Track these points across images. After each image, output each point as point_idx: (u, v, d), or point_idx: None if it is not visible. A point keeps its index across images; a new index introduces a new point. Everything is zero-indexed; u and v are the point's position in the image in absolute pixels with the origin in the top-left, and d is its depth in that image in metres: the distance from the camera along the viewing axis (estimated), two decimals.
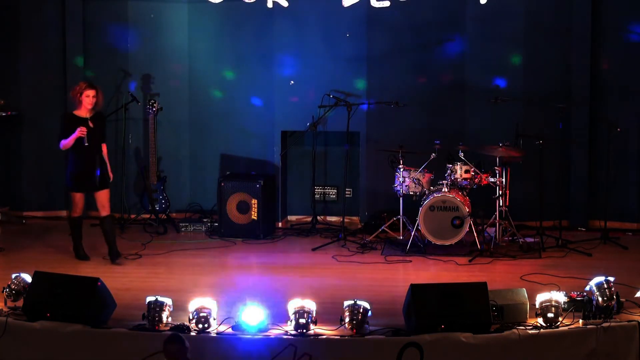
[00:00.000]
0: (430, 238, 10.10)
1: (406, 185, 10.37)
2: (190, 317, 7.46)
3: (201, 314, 7.43)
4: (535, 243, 10.22)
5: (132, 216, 11.41)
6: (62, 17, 11.62)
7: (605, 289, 7.62)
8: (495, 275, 9.25)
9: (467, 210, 10.01)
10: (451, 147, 10.38)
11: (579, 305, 7.69)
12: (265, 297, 8.28)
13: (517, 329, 7.42)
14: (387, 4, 11.25)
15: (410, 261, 9.86)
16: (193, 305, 7.50)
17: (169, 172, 11.55)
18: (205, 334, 7.37)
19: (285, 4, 11.35)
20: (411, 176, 10.38)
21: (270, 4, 11.36)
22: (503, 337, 7.35)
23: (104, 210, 9.51)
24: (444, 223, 10.05)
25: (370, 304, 7.52)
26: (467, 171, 10.27)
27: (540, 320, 7.49)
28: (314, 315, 7.45)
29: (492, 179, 10.22)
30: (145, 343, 7.33)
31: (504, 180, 10.23)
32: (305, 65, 11.45)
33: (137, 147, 11.68)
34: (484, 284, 7.54)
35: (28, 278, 7.95)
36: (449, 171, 10.30)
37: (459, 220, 10.01)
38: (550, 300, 7.52)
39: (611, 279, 7.75)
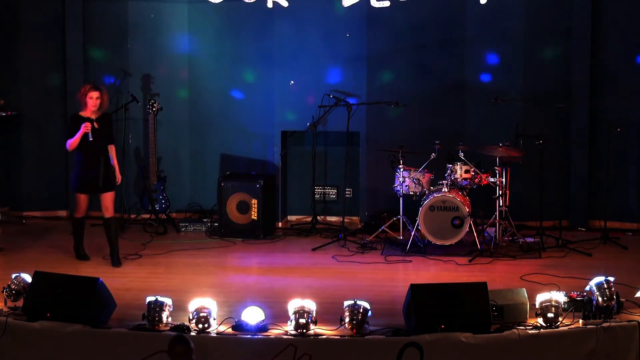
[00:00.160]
0: (430, 238, 10.10)
1: (406, 185, 10.38)
2: (190, 317, 7.47)
3: (201, 314, 7.44)
4: (535, 243, 10.22)
5: (132, 216, 11.41)
6: (62, 17, 11.62)
7: (605, 289, 7.62)
8: (495, 275, 9.25)
9: (467, 210, 10.01)
10: (451, 147, 10.37)
11: (579, 305, 7.69)
12: (265, 297, 8.29)
13: (517, 329, 7.42)
14: (387, 4, 11.25)
15: (410, 261, 9.86)
16: (193, 305, 7.50)
17: (169, 172, 11.55)
18: (205, 334, 7.37)
19: (285, 4, 11.35)
20: (411, 176, 10.38)
21: (270, 4, 11.36)
22: (503, 337, 7.35)
23: (108, 212, 9.51)
24: (444, 223, 10.05)
25: (370, 304, 7.53)
26: (467, 171, 10.27)
27: (540, 320, 7.49)
28: (314, 315, 7.45)
29: (492, 179, 10.22)
30: (145, 343, 7.34)
31: (504, 180, 10.23)
32: (305, 65, 11.45)
33: (137, 147, 11.68)
34: (484, 284, 7.54)
35: (28, 278, 7.95)
36: (449, 171, 10.30)
37: (459, 220, 10.01)
38: (550, 300, 7.52)
39: (611, 279, 7.75)
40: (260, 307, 7.53)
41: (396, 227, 10.55)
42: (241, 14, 11.47)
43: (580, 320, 7.57)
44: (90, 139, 9.27)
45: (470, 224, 10.02)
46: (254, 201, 10.81)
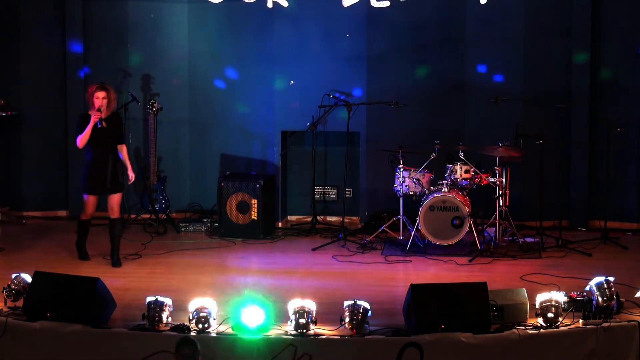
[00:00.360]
0: (430, 238, 10.10)
1: (406, 185, 10.38)
2: (190, 317, 7.47)
3: (201, 314, 7.44)
4: (535, 243, 10.22)
5: (132, 216, 11.41)
6: (62, 17, 11.62)
7: (605, 289, 7.62)
8: (495, 275, 9.25)
9: (467, 210, 10.01)
10: (451, 147, 10.37)
11: (579, 305, 7.69)
12: (265, 297, 8.29)
13: (517, 329, 7.42)
14: (387, 4, 11.25)
15: (410, 261, 9.86)
16: (193, 305, 7.50)
17: (169, 172, 11.55)
18: (205, 334, 7.37)
19: (285, 4, 11.35)
20: (411, 176, 10.38)
21: (270, 4, 11.36)
22: (503, 337, 7.35)
23: (113, 213, 9.52)
24: (444, 223, 10.05)
25: (370, 304, 7.53)
26: (467, 171, 10.27)
27: (540, 320, 7.49)
28: (314, 315, 7.45)
29: (492, 179, 10.22)
30: (145, 343, 7.34)
31: (504, 180, 10.23)
32: (305, 65, 11.45)
33: (137, 147, 11.68)
34: (484, 284, 7.54)
35: (28, 278, 7.95)
36: (449, 171, 10.30)
37: (459, 220, 10.01)
38: (550, 300, 7.52)
39: (611, 279, 7.75)
40: (260, 307, 7.52)
41: (396, 227, 10.55)
42: (241, 14, 11.47)
43: (580, 320, 7.57)
44: (99, 126, 9.23)
45: (470, 224, 10.02)
46: (254, 201, 10.81)
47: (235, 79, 11.64)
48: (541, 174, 10.31)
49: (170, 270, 9.50)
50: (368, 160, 11.48)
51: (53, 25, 11.63)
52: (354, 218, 11.63)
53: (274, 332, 7.47)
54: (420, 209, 10.10)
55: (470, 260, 9.80)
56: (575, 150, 11.26)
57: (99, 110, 9.26)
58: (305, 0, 11.38)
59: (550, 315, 7.46)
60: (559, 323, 7.48)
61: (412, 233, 10.17)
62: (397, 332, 7.45)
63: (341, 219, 10.96)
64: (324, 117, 11.09)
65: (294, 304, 7.51)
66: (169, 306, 7.57)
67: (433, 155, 10.29)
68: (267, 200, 10.96)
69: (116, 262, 9.53)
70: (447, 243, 10.09)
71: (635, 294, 8.00)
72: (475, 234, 10.07)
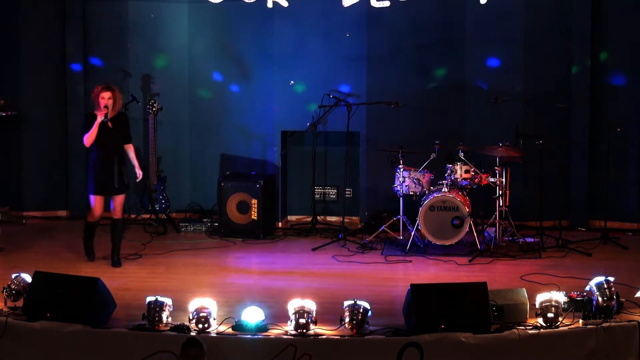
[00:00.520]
0: (430, 238, 10.10)
1: (406, 185, 10.38)
2: (190, 317, 7.47)
3: (201, 314, 7.44)
4: (535, 243, 10.22)
5: (132, 216, 11.41)
6: (62, 17, 11.62)
7: (605, 289, 7.62)
8: (495, 275, 9.25)
9: (467, 210, 10.01)
10: (451, 147, 10.37)
11: (579, 305, 7.69)
12: (265, 297, 8.29)
13: (517, 329, 7.42)
14: (387, 4, 11.25)
15: (410, 261, 9.86)
16: (193, 305, 7.50)
17: (169, 172, 11.55)
18: (205, 334, 7.37)
19: (285, 4, 11.35)
20: (411, 176, 10.38)
21: (270, 4, 11.36)
22: (503, 337, 7.35)
23: (116, 214, 9.52)
24: (444, 223, 10.05)
25: (370, 304, 7.53)
26: (467, 171, 10.27)
27: (540, 320, 7.49)
28: (314, 315, 7.45)
29: (492, 179, 10.22)
30: (145, 343, 7.34)
31: (504, 180, 10.23)
32: (305, 65, 11.45)
33: (137, 147, 11.62)
34: (484, 284, 7.54)
35: (28, 278, 7.95)
36: (449, 171, 10.30)
37: (459, 220, 10.01)
38: (550, 300, 7.52)
39: (611, 279, 7.75)
40: (260, 307, 7.53)
41: (396, 227, 10.55)
42: (241, 13, 11.47)
43: (580, 320, 7.57)
44: (106, 119, 9.21)
45: (470, 224, 10.02)
46: (254, 201, 10.81)
47: (235, 79, 11.63)
48: (541, 174, 10.31)
49: (170, 270, 9.50)
50: (368, 160, 11.48)
51: (53, 25, 11.63)
52: (354, 218, 11.62)
53: (274, 332, 7.47)
54: (420, 209, 10.10)
55: (470, 260, 9.80)
56: (575, 150, 11.26)
57: (105, 107, 9.26)
58: (305, 0, 11.38)
59: (550, 315, 7.46)
60: (559, 323, 7.48)
61: (412, 233, 10.17)
62: (397, 332, 7.45)
63: (341, 219, 10.96)
64: (324, 117, 11.09)
65: (294, 304, 7.51)
66: (169, 306, 7.57)
67: (433, 155, 10.29)
68: (267, 200, 10.96)
69: (116, 262, 9.53)
70: (447, 243, 10.09)
71: (635, 294, 8.00)
72: (475, 234, 10.07)
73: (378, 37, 11.34)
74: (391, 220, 10.54)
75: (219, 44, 11.62)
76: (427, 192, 10.35)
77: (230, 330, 7.47)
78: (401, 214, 10.48)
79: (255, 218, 10.85)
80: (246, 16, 11.45)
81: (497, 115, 11.08)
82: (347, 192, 11.55)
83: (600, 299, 7.58)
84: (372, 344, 7.32)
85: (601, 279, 7.70)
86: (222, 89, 11.68)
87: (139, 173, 9.73)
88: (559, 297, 7.63)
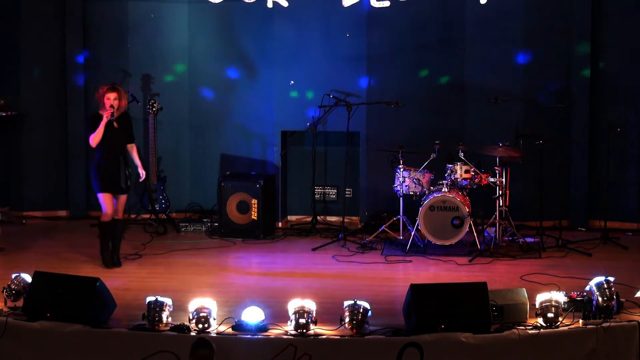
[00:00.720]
0: (430, 238, 10.10)
1: (406, 185, 10.38)
2: (190, 317, 7.47)
3: (201, 314, 7.44)
4: (535, 243, 10.22)
5: (132, 216, 11.41)
6: (62, 17, 11.62)
7: (605, 289, 7.61)
8: (495, 275, 9.25)
9: (467, 210, 10.01)
10: (451, 147, 10.37)
11: (579, 305, 7.68)
12: (265, 297, 8.29)
13: (517, 329, 7.42)
14: (387, 4, 11.25)
15: (410, 261, 9.86)
16: (193, 305, 7.50)
17: (169, 172, 11.55)
18: (205, 334, 7.36)
19: (285, 4, 11.35)
20: (411, 176, 10.38)
21: (270, 4, 11.35)
22: (503, 337, 7.35)
23: (117, 214, 9.49)
24: (444, 223, 10.05)
25: (370, 304, 7.52)
26: (467, 171, 10.27)
27: (540, 320, 7.49)
28: (314, 315, 7.45)
29: (492, 179, 10.22)
30: (145, 343, 7.34)
31: (504, 180, 10.23)
32: (305, 65, 11.45)
33: (138, 147, 11.62)
34: (484, 284, 7.54)
35: (28, 278, 7.94)
36: (449, 171, 10.30)
37: (459, 220, 10.01)
38: (550, 300, 7.52)
39: (611, 279, 7.74)
40: (260, 307, 7.53)
41: (396, 227, 10.55)
42: (241, 13, 11.47)
43: (580, 320, 7.57)
44: (112, 119, 9.21)
45: (470, 224, 10.02)
46: (254, 201, 10.81)
47: (235, 79, 11.63)
48: (541, 174, 10.31)
49: (170, 270, 9.50)
50: (368, 160, 11.48)
51: (53, 25, 11.63)
52: (354, 218, 11.62)
53: (274, 332, 7.47)
54: (420, 209, 10.10)
55: (470, 260, 9.80)
56: (575, 150, 11.26)
57: (111, 107, 9.25)
58: (305, 0, 11.38)
59: (550, 315, 7.46)
60: (559, 323, 7.48)
61: (412, 233, 10.17)
62: (397, 332, 7.45)
63: (341, 219, 10.96)
64: (324, 117, 11.09)
65: (294, 304, 7.51)
66: (169, 306, 7.56)
67: (433, 155, 10.29)
68: (267, 200, 10.95)
69: (116, 262, 9.52)
70: (447, 243, 10.09)
71: (635, 294, 8.00)
72: (475, 234, 10.07)
73: (378, 37, 11.34)
74: (391, 220, 10.54)
75: (219, 44, 11.62)
76: (427, 192, 10.35)
77: (230, 330, 7.47)
78: (401, 214, 10.48)
79: (255, 218, 10.85)
80: (246, 16, 11.45)
81: (497, 115, 11.08)
82: (347, 192, 11.55)
83: (600, 299, 7.58)
84: (372, 344, 7.32)
85: (601, 279, 7.70)
86: (222, 89, 11.68)
87: (142, 173, 9.74)
88: (559, 297, 7.63)
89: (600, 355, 7.43)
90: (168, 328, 7.48)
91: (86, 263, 9.58)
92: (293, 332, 7.40)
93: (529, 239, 10.32)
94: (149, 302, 7.54)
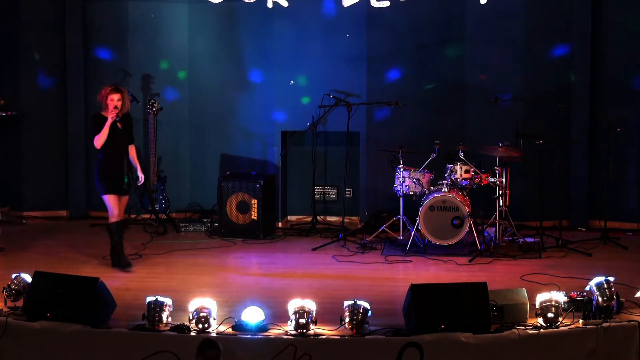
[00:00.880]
0: (430, 238, 10.10)
1: (406, 185, 10.37)
2: (190, 317, 7.47)
3: (201, 314, 7.44)
4: (535, 243, 10.22)
5: (132, 216, 11.41)
6: (62, 17, 11.62)
7: (605, 289, 7.61)
8: (495, 275, 9.25)
9: (467, 210, 10.01)
10: (451, 147, 10.37)
11: (579, 305, 7.69)
12: (265, 297, 8.29)
13: (517, 329, 7.42)
14: (387, 4, 11.25)
15: (410, 261, 9.86)
16: (193, 305, 7.51)
17: (169, 172, 11.55)
18: (205, 334, 7.37)
19: (285, 4, 11.35)
20: (411, 176, 10.38)
21: (270, 4, 11.35)
22: (503, 337, 7.35)
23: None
24: (444, 223, 10.05)
25: (370, 304, 7.53)
26: (467, 171, 10.27)
27: (540, 320, 7.49)
28: (314, 315, 7.45)
29: (492, 179, 10.22)
30: (145, 343, 7.34)
31: (504, 180, 10.23)
32: (305, 65, 11.45)
33: (138, 147, 11.61)
34: (484, 284, 7.54)
35: (28, 278, 7.95)
36: (449, 171, 10.30)
37: (459, 220, 10.01)
38: (550, 300, 7.52)
39: (611, 279, 7.75)
40: (260, 307, 7.53)
41: (396, 227, 10.55)
42: (241, 14, 11.47)
43: (580, 320, 7.57)
44: (117, 119, 9.19)
45: (470, 224, 10.02)
46: (254, 201, 10.81)
47: (236, 78, 11.63)
48: (541, 174, 10.31)
49: (170, 270, 9.50)
50: (368, 160, 11.48)
51: (53, 25, 11.63)
52: (354, 218, 11.62)
53: (274, 332, 7.47)
54: (420, 209, 10.10)
55: (470, 260, 9.80)
56: (575, 150, 11.26)
57: (115, 108, 9.23)
58: (305, 0, 11.38)
59: (550, 315, 7.46)
60: (559, 323, 7.48)
61: (412, 233, 10.17)
62: (397, 332, 7.45)
63: (341, 219, 10.96)
64: (324, 117, 11.09)
65: (294, 304, 7.51)
66: (169, 306, 7.56)
67: (433, 155, 10.29)
68: (267, 200, 10.95)
69: (128, 262, 9.50)
70: (447, 243, 10.09)
71: (635, 294, 8.00)
72: (475, 234, 10.07)
73: (378, 37, 11.34)
74: (391, 220, 10.54)
75: (219, 44, 11.62)
76: (427, 192, 10.35)
77: (230, 330, 7.47)
78: (401, 214, 10.47)
79: (255, 218, 10.85)
80: (246, 16, 11.45)
81: (497, 115, 11.08)
82: (347, 192, 11.55)
83: (600, 299, 7.58)
84: (372, 344, 7.32)
85: (601, 279, 7.70)
86: (222, 89, 11.68)
87: (141, 176, 9.68)
88: (559, 297, 7.63)
89: (600, 355, 7.43)
90: (168, 328, 7.48)
91: (86, 263, 9.58)
92: (293, 332, 7.40)
93: (529, 239, 10.32)
94: (149, 302, 7.54)
